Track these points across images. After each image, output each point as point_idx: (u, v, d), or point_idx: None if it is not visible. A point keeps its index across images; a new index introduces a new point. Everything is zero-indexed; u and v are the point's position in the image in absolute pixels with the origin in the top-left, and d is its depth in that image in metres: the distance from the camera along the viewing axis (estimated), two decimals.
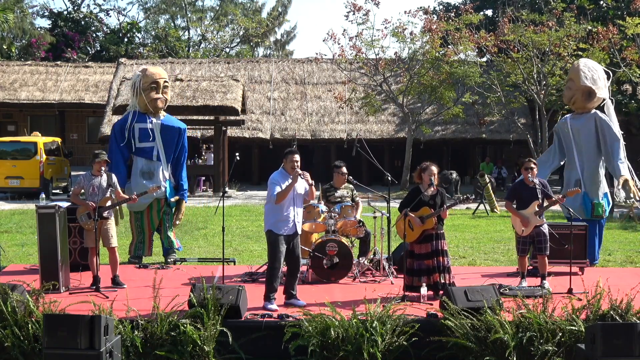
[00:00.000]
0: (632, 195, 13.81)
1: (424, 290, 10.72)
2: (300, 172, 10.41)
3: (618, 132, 14.02)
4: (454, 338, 9.11)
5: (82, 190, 11.62)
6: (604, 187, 13.96)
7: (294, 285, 10.70)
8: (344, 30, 51.34)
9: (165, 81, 14.28)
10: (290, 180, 10.41)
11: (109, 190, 11.48)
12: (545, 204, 11.57)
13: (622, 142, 13.91)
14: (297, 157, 10.53)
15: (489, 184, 25.91)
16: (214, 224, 20.36)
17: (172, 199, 14.09)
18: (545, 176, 13.89)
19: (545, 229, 11.62)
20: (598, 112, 14.14)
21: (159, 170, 13.95)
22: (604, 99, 14.28)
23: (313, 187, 10.71)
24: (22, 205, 25.05)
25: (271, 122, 37.88)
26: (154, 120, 14.04)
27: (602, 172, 14.01)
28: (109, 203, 11.50)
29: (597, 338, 8.24)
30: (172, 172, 14.21)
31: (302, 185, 10.59)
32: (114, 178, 11.71)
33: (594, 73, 14.13)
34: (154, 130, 13.97)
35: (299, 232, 10.70)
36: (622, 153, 13.85)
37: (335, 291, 11.39)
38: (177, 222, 14.46)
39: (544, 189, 11.56)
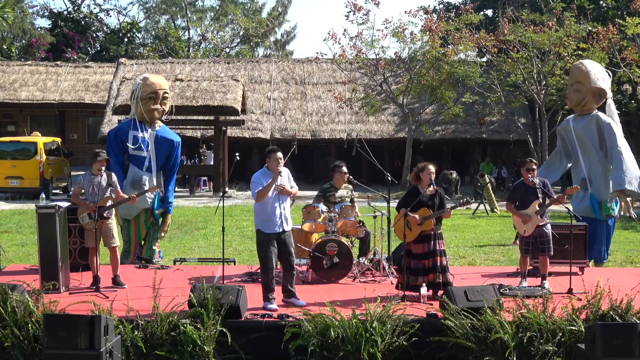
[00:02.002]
0: (622, 212, 13.93)
1: (423, 290, 10.72)
2: (280, 170, 10.49)
3: (620, 133, 14.03)
4: (454, 338, 9.12)
5: (83, 191, 11.64)
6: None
7: (291, 282, 10.69)
8: (345, 30, 51.30)
9: (165, 92, 14.15)
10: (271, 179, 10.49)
11: (109, 189, 11.50)
12: (546, 203, 11.59)
13: (619, 147, 13.85)
14: (279, 154, 10.57)
15: (489, 184, 25.99)
16: (213, 224, 20.40)
17: (157, 211, 13.92)
18: (557, 178, 13.97)
19: (548, 228, 11.63)
20: (599, 112, 14.15)
21: (147, 180, 13.79)
22: (605, 99, 14.32)
23: (292, 191, 10.82)
24: (22, 205, 25.12)
25: (271, 122, 37.93)
26: (150, 130, 13.95)
27: (607, 172, 14.01)
28: (109, 203, 11.51)
29: (597, 338, 8.26)
30: (163, 183, 14.02)
31: (286, 181, 10.68)
32: (114, 177, 11.71)
33: (602, 74, 14.18)
34: (148, 140, 13.88)
35: (288, 228, 10.68)
36: (623, 161, 13.79)
37: (335, 291, 11.38)
38: (162, 235, 14.27)
39: (544, 188, 11.57)
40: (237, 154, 12.76)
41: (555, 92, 32.38)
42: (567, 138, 14.38)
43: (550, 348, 8.94)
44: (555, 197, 11.65)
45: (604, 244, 13.98)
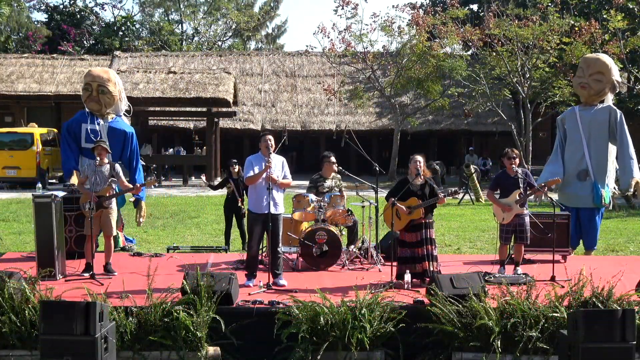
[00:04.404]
0: (637, 195, 14.24)
1: (407, 276, 10.87)
2: (270, 164, 10.90)
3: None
4: (440, 324, 9.24)
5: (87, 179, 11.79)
6: (610, 177, 14.21)
7: (276, 264, 11.11)
8: (334, 24, 51.51)
9: (100, 85, 13.80)
10: (263, 166, 10.95)
11: (110, 180, 11.66)
12: (527, 193, 11.77)
13: (630, 139, 14.11)
14: (270, 137, 11.08)
15: (474, 174, 26.39)
16: (206, 213, 20.57)
17: (132, 199, 14.02)
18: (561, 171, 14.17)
19: (527, 218, 11.83)
20: (612, 105, 14.37)
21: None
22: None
23: (284, 182, 11.25)
24: (19, 195, 25.33)
25: (262, 113, 38.11)
26: (102, 122, 13.85)
27: (610, 162, 14.19)
28: (110, 192, 11.66)
29: (579, 324, 8.41)
30: (128, 175, 13.88)
31: (279, 169, 11.10)
32: (118, 168, 11.84)
33: (616, 69, 14.63)
34: (100, 131, 13.77)
35: (276, 211, 11.05)
36: (633, 150, 14.12)
37: (324, 279, 11.55)
38: (141, 220, 14.16)
39: (527, 178, 11.80)
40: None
41: (538, 85, 32.69)
42: (571, 126, 14.33)
43: (534, 334, 9.10)
44: (536, 187, 11.87)
45: (598, 232, 14.25)
